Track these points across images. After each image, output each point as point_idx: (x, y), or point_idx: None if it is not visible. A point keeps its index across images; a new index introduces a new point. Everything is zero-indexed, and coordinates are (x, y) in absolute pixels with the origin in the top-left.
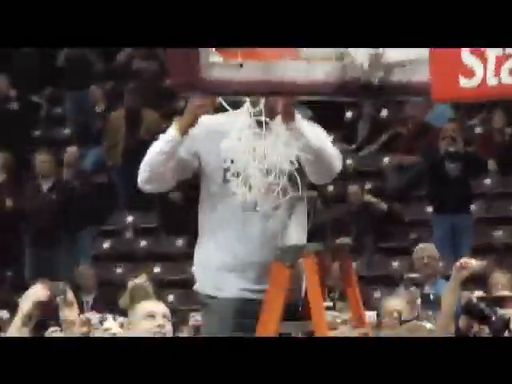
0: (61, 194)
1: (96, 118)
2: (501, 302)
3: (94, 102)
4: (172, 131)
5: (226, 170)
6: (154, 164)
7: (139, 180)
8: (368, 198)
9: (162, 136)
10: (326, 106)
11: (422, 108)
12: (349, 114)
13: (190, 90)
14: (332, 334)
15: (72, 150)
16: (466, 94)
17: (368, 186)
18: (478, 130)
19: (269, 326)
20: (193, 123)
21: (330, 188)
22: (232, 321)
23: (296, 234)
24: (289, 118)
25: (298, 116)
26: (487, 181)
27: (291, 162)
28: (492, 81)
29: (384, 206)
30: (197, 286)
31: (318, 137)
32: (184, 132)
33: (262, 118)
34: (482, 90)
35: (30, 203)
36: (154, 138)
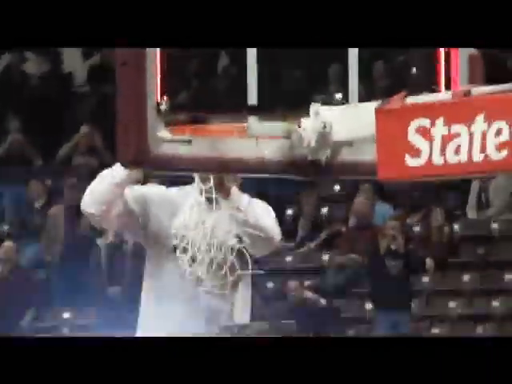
0: None
1: (35, 213)
2: None
3: (33, 198)
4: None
5: (176, 246)
6: (100, 189)
7: (82, 202)
8: (306, 293)
9: (108, 170)
10: (267, 199)
11: (365, 206)
12: (289, 212)
13: (138, 166)
14: None
15: (9, 245)
16: (413, 173)
17: (307, 282)
18: (417, 228)
19: None
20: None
21: (269, 284)
22: None
23: (240, 312)
24: (224, 193)
25: (235, 191)
26: (425, 278)
27: (238, 238)
28: (438, 160)
29: (323, 301)
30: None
31: (255, 211)
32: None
33: (212, 195)
34: (428, 169)
35: None
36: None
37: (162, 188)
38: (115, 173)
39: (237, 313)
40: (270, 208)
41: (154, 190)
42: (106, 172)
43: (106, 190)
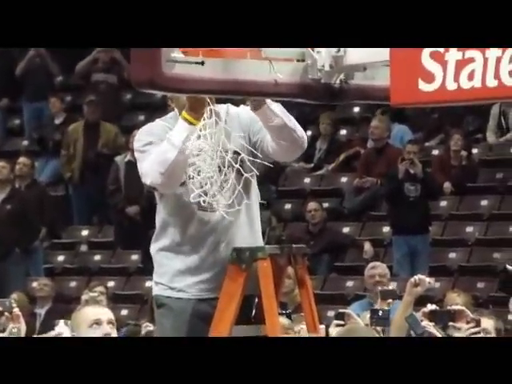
0: (15, 205)
1: (55, 130)
2: (454, 315)
3: (53, 114)
4: (185, 125)
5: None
6: (176, 163)
7: (154, 181)
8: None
9: (174, 134)
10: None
11: (383, 127)
12: (308, 133)
13: (150, 87)
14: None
15: (23, 161)
16: (426, 98)
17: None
18: (435, 151)
19: (222, 328)
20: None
21: (287, 206)
22: (187, 321)
23: (252, 236)
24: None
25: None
26: (443, 203)
27: (235, 153)
28: (451, 85)
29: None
30: (155, 289)
31: (289, 117)
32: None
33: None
34: (441, 94)
35: None
36: (111, 151)
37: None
38: (181, 140)
39: (248, 237)
40: None
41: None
42: (171, 143)
43: (178, 165)
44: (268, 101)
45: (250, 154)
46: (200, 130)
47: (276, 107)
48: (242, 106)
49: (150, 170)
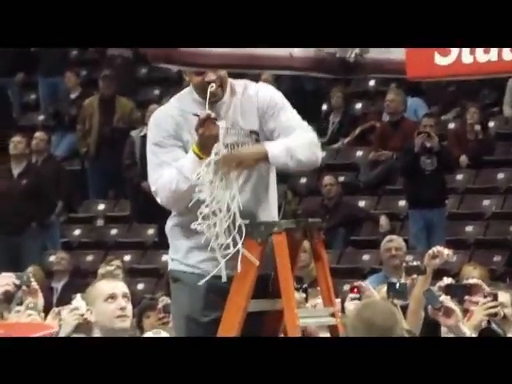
0: (31, 180)
1: (70, 104)
2: (470, 289)
3: (68, 89)
4: (194, 157)
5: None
6: (188, 193)
7: (164, 203)
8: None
9: (186, 166)
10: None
11: (398, 101)
12: (324, 107)
13: (166, 61)
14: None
15: (40, 136)
16: (441, 72)
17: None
18: (451, 125)
19: (239, 302)
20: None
21: (302, 180)
22: (202, 295)
23: (267, 210)
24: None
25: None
26: (459, 176)
27: (251, 132)
28: (467, 58)
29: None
30: (170, 264)
31: (295, 156)
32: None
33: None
34: (456, 68)
35: (0, 188)
36: (127, 126)
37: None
38: (190, 172)
39: (263, 211)
40: (309, 134)
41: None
42: (178, 177)
43: (188, 194)
44: (269, 148)
45: (264, 137)
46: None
47: (279, 152)
48: (261, 83)
49: (161, 192)
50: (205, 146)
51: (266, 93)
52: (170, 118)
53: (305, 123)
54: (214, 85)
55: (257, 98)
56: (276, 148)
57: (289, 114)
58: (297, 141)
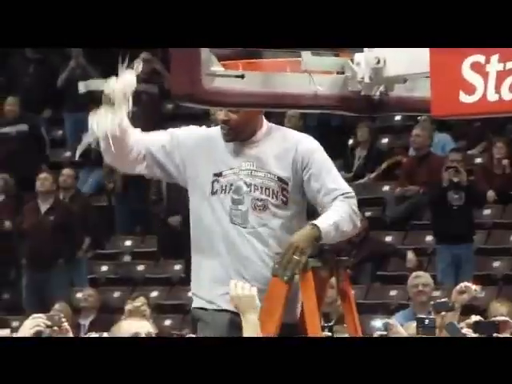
0: (59, 216)
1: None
2: (498, 326)
3: None
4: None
5: (214, 182)
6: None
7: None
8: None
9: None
10: (330, 132)
11: (425, 135)
12: (350, 142)
13: (190, 101)
14: None
15: (67, 172)
16: (467, 110)
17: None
18: (478, 160)
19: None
20: None
21: None
22: (225, 333)
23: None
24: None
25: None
26: (487, 211)
27: (279, 179)
28: (492, 96)
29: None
30: (192, 303)
31: (339, 234)
32: None
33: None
34: (482, 106)
35: (28, 224)
36: None
37: (200, 129)
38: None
39: None
40: (350, 201)
41: (189, 138)
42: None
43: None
44: (321, 226)
45: (295, 187)
46: None
47: (329, 228)
48: (304, 134)
49: None
50: None
51: (306, 146)
52: (199, 137)
53: (345, 184)
54: (224, 126)
55: (295, 148)
56: (327, 226)
57: (332, 175)
58: (341, 213)
